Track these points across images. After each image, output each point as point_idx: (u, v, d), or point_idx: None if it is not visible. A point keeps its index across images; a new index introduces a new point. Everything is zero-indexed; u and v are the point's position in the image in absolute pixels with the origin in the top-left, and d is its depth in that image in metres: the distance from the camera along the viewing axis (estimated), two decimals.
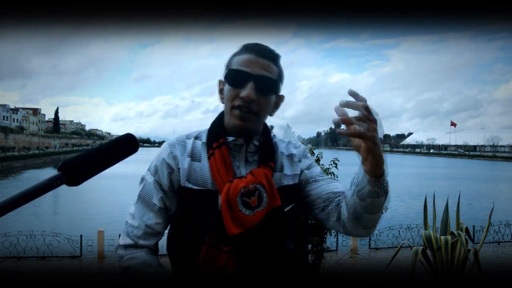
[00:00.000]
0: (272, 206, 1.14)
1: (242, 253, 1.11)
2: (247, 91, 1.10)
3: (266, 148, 1.21)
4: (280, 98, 1.24)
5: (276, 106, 1.23)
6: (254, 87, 1.10)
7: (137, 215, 1.16)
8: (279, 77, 1.18)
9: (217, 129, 1.19)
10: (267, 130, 1.24)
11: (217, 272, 1.11)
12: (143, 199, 1.16)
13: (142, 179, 1.19)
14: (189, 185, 1.14)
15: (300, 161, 1.27)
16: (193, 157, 1.17)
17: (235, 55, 1.17)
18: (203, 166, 1.16)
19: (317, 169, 1.28)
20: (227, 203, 1.09)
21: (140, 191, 1.18)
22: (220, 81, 1.22)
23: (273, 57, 1.16)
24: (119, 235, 1.19)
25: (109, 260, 7.01)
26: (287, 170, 1.23)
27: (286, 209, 1.19)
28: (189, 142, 1.19)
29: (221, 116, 1.22)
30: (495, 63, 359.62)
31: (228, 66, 1.18)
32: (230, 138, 1.16)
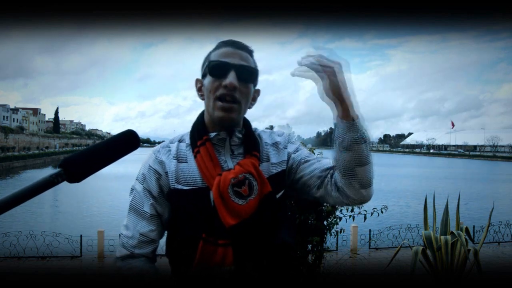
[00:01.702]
0: (263, 193, 1.15)
1: (238, 245, 1.12)
2: (229, 79, 1.12)
3: (249, 139, 1.23)
4: (257, 92, 1.26)
5: (254, 99, 1.25)
6: (235, 75, 1.13)
7: (131, 225, 1.16)
8: (257, 69, 1.22)
9: (199, 127, 1.21)
10: (247, 122, 1.27)
11: (215, 268, 1.12)
12: (134, 209, 1.17)
13: (132, 190, 1.20)
14: (179, 186, 1.15)
15: (286, 147, 1.29)
16: (179, 159, 1.18)
17: (211, 52, 1.21)
18: (190, 166, 1.17)
19: (304, 151, 1.30)
20: (219, 196, 1.10)
21: (131, 201, 1.18)
22: (197, 80, 1.25)
23: (250, 51, 1.20)
24: (120, 235, 1.19)
25: (109, 260, 7.00)
26: (274, 159, 1.25)
27: (277, 196, 1.21)
28: (173, 146, 1.21)
29: (201, 116, 1.25)
30: (498, 63, 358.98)
31: (206, 62, 1.20)
32: (213, 134, 1.18)
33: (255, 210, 1.13)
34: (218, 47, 1.20)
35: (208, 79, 1.17)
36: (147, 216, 1.15)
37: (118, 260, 1.17)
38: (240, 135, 1.21)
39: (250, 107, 1.23)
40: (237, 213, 1.11)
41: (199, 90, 1.25)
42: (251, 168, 1.15)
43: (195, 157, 1.17)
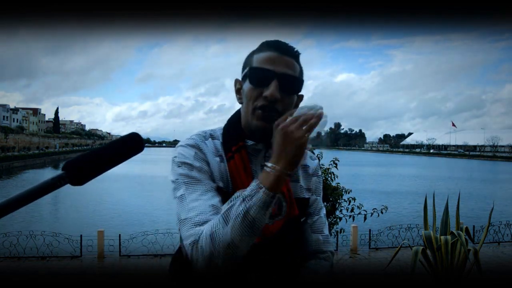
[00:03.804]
0: (290, 215, 1.11)
1: (258, 262, 1.07)
2: (271, 90, 1.04)
3: None
4: (300, 98, 1.18)
5: (296, 106, 1.17)
6: (278, 85, 1.05)
7: (195, 205, 0.99)
8: (302, 75, 1.14)
9: (235, 130, 1.14)
10: None
11: (232, 279, 1.07)
12: (190, 189, 1.02)
13: (176, 180, 1.05)
14: (221, 184, 1.08)
15: (313, 175, 1.25)
16: (219, 157, 1.12)
17: (255, 52, 1.12)
18: (224, 167, 1.11)
19: (317, 199, 1.27)
20: None
21: (185, 182, 1.03)
22: (237, 80, 1.17)
23: (295, 55, 1.11)
24: (181, 222, 0.96)
25: (109, 260, 7.01)
26: (303, 182, 1.21)
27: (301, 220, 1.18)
28: (209, 142, 1.14)
29: (237, 116, 1.17)
30: (501, 63, 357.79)
31: (247, 64, 1.12)
32: (250, 142, 1.12)
33: (279, 231, 1.08)
34: (261, 49, 1.10)
35: (248, 85, 1.09)
36: (211, 189, 1.03)
37: (190, 246, 0.92)
38: None
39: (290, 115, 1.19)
40: (262, 232, 1.02)
41: (237, 92, 1.17)
42: (283, 187, 1.09)
43: (228, 160, 1.10)
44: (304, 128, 0.92)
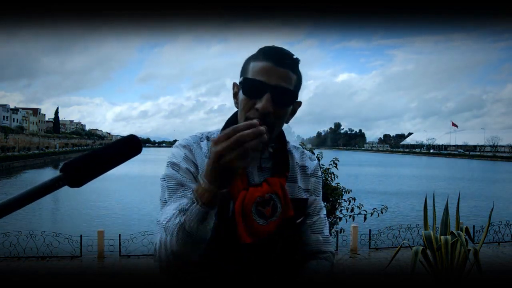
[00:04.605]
0: (285, 217, 1.11)
1: (251, 262, 1.09)
2: (263, 103, 1.03)
3: (281, 156, 1.18)
4: (298, 104, 1.18)
5: (293, 113, 1.18)
6: (270, 98, 1.04)
7: (173, 205, 1.02)
8: (298, 84, 1.13)
9: None
10: (283, 137, 1.21)
11: (225, 279, 1.09)
12: (172, 193, 1.07)
13: (164, 179, 1.10)
14: None
15: (311, 176, 1.26)
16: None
17: (251, 59, 1.11)
18: None
19: (319, 200, 1.27)
20: (241, 212, 1.06)
21: (167, 186, 1.08)
22: (234, 84, 1.17)
23: (292, 64, 1.09)
24: (157, 222, 1.02)
25: (109, 260, 7.01)
26: (301, 183, 1.22)
27: (297, 221, 1.18)
28: (203, 144, 1.15)
29: (235, 117, 1.18)
30: (502, 63, 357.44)
31: (244, 71, 1.12)
32: None
33: (273, 232, 1.09)
34: (258, 57, 1.09)
35: (242, 95, 1.09)
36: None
37: (156, 245, 0.99)
38: (271, 150, 1.17)
39: (287, 122, 1.17)
40: (255, 233, 1.06)
41: (234, 96, 1.17)
42: (278, 189, 1.11)
43: None
44: (237, 150, 0.81)
